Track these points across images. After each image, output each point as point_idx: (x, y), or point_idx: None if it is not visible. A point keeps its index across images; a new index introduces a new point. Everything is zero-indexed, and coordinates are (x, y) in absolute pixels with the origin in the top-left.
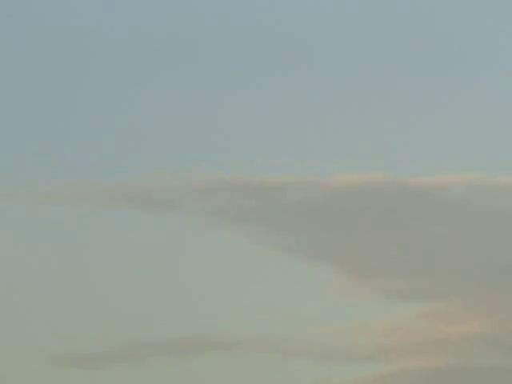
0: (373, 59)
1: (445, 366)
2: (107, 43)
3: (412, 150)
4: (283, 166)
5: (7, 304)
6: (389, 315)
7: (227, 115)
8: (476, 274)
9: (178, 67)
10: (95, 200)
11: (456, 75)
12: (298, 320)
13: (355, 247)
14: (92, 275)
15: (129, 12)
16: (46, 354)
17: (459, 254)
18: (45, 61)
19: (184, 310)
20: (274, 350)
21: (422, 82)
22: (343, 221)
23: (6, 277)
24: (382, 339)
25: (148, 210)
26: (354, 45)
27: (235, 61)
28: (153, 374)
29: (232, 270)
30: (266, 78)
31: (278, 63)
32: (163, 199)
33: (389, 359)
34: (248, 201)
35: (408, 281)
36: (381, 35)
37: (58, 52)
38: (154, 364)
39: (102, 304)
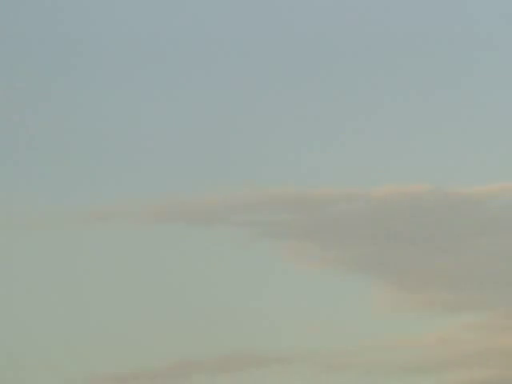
0: (412, 68)
1: (496, 378)
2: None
3: (459, 158)
4: (324, 179)
5: (56, 319)
6: (438, 327)
7: (269, 130)
8: None
9: (215, 88)
10: (144, 216)
11: (496, 81)
12: (346, 334)
13: (402, 260)
14: (140, 290)
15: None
16: (92, 373)
17: (508, 264)
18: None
19: (228, 326)
20: (322, 365)
21: (464, 88)
22: (389, 233)
23: (57, 294)
24: (432, 352)
25: (195, 224)
26: (379, 47)
27: (269, 76)
28: None
29: (276, 285)
30: (302, 91)
31: (311, 74)
32: (210, 214)
33: (439, 372)
34: (292, 214)
35: (456, 292)
36: (411, 33)
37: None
38: (202, 381)
39: (147, 321)
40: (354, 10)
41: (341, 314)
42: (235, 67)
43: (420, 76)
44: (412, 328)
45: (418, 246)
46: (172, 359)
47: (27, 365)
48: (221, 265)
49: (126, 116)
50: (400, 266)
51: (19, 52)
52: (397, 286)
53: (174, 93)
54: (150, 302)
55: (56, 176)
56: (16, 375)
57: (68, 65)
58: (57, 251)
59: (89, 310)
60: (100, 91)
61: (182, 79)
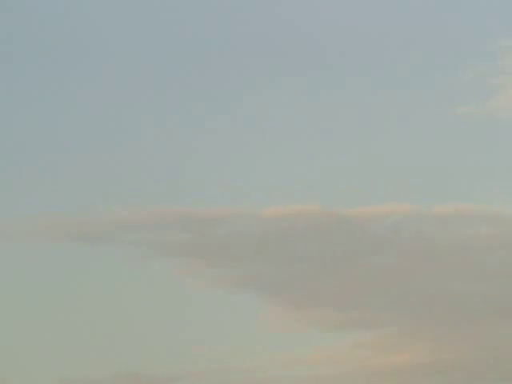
0: (303, 90)
1: None
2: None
3: (346, 181)
4: (216, 200)
5: None
6: (325, 346)
7: (159, 150)
8: (410, 304)
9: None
10: (33, 234)
11: (386, 109)
12: (233, 353)
13: (290, 279)
14: (27, 309)
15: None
16: None
17: (394, 283)
18: None
19: (118, 346)
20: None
21: (350, 114)
22: (278, 252)
23: None
24: (318, 370)
25: (85, 244)
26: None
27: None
28: None
29: (167, 304)
30: (197, 112)
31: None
32: (99, 233)
33: None
34: (181, 234)
35: (343, 311)
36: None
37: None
38: None
39: (30, 341)
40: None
41: (231, 332)
42: (114, 85)
43: (310, 98)
44: (299, 347)
45: (306, 266)
46: (56, 380)
47: None
48: (111, 284)
49: (10, 135)
50: (289, 284)
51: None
52: (285, 305)
53: (54, 112)
54: (35, 321)
55: None
56: None
57: None
58: None
59: None
60: None
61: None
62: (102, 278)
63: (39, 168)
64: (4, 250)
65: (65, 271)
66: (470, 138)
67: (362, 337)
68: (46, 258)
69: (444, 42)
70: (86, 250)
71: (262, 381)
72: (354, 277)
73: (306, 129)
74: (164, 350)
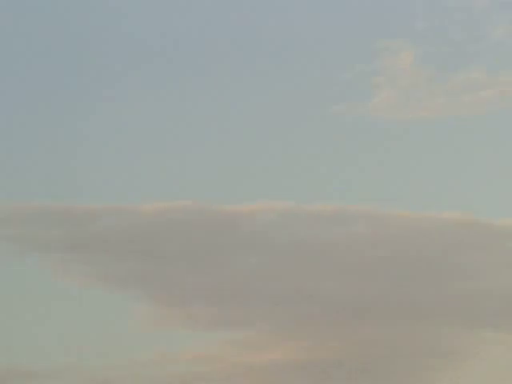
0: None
1: None
2: None
3: (220, 177)
4: (91, 194)
5: None
6: (197, 344)
7: (38, 143)
8: (283, 302)
9: None
10: None
11: (266, 108)
12: (105, 350)
13: (163, 275)
14: None
15: None
16: None
17: (267, 281)
18: None
19: None
20: (87, 380)
21: (232, 112)
22: (151, 249)
23: None
24: (190, 368)
25: None
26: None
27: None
28: None
29: (38, 300)
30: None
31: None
32: None
33: None
34: (54, 229)
35: (216, 309)
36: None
37: None
38: None
39: None
40: None
41: (103, 329)
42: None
43: (187, 96)
44: (171, 344)
45: (180, 263)
46: None
47: None
48: None
49: None
50: (163, 281)
51: None
52: (156, 302)
53: None
54: None
55: None
56: None
57: None
58: None
59: None
60: None
61: None
62: None
63: None
64: None
65: None
66: (349, 137)
67: (235, 334)
68: None
69: (324, 42)
70: None
71: (133, 378)
72: (227, 274)
73: (186, 127)
74: (41, 345)
